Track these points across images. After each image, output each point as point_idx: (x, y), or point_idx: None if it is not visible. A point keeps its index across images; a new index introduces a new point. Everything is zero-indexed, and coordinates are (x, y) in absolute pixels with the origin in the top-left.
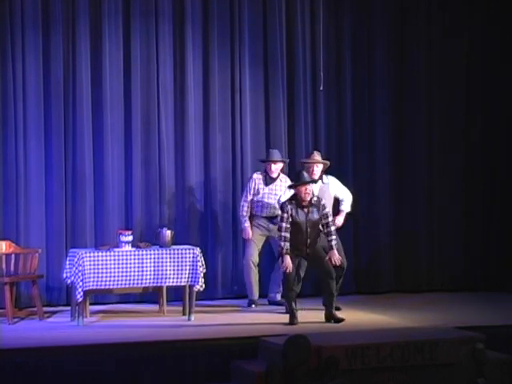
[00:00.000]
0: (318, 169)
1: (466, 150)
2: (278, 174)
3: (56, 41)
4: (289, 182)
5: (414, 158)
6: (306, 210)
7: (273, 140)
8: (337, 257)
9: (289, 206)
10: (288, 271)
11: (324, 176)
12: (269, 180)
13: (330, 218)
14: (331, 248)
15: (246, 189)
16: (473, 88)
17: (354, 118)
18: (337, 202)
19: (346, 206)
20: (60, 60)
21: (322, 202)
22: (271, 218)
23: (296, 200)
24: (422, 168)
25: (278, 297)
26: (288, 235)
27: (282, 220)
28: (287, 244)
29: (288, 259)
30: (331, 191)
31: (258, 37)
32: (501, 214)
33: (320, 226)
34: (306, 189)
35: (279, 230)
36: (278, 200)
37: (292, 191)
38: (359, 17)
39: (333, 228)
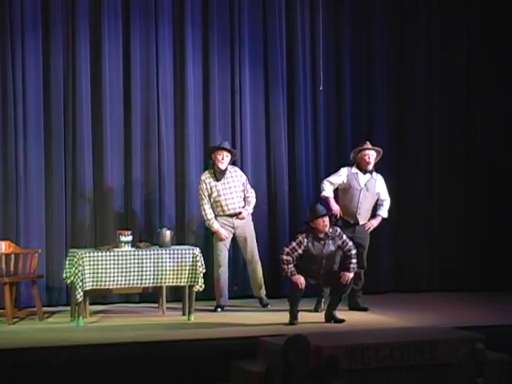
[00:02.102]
0: (373, 157)
1: (466, 150)
2: (226, 167)
3: (56, 43)
4: (239, 172)
5: (414, 158)
6: (322, 242)
7: (273, 141)
8: (347, 278)
9: (305, 240)
10: (301, 288)
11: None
12: (219, 174)
13: (350, 243)
14: (348, 270)
15: (199, 193)
16: (473, 88)
17: (353, 118)
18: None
19: (384, 212)
20: (60, 61)
21: (338, 232)
22: (234, 215)
23: (312, 233)
24: (421, 168)
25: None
26: (290, 259)
27: (288, 245)
28: (290, 266)
29: (299, 277)
30: (376, 188)
31: (257, 38)
32: (501, 213)
33: (339, 254)
34: (323, 221)
35: (281, 252)
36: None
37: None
38: (359, 17)
39: (354, 252)
